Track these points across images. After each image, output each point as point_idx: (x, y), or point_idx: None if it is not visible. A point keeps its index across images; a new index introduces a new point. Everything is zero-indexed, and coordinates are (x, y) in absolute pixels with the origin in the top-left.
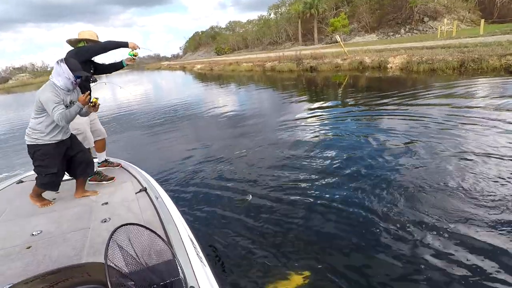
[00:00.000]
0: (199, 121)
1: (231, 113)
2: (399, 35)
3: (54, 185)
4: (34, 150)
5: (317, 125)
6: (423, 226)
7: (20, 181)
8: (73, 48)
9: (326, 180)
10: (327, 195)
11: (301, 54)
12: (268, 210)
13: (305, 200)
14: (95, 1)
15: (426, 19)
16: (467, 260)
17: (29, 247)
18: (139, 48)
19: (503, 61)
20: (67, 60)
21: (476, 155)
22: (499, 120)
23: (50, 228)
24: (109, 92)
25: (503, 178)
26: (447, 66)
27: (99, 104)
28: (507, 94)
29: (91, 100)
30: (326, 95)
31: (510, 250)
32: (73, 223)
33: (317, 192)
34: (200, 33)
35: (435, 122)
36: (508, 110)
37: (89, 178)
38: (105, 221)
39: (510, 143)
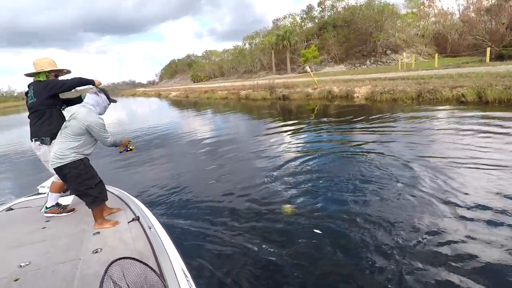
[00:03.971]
0: (183, 147)
1: (213, 138)
2: (365, 66)
3: (106, 194)
4: (75, 166)
5: (293, 146)
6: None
7: (10, 209)
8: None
9: (310, 196)
10: (316, 212)
11: (274, 83)
12: (262, 236)
13: (298, 220)
14: (68, 29)
15: (388, 52)
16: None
17: (17, 280)
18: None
19: (454, 92)
20: (103, 89)
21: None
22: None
23: (39, 259)
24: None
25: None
26: (407, 96)
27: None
28: (459, 120)
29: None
30: (299, 121)
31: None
32: (63, 253)
33: (307, 211)
34: (177, 60)
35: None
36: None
37: (46, 210)
38: (96, 252)
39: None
